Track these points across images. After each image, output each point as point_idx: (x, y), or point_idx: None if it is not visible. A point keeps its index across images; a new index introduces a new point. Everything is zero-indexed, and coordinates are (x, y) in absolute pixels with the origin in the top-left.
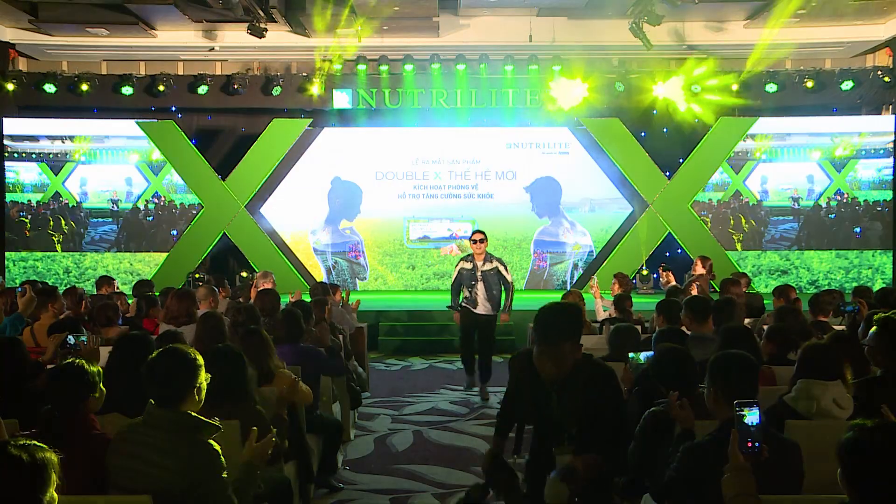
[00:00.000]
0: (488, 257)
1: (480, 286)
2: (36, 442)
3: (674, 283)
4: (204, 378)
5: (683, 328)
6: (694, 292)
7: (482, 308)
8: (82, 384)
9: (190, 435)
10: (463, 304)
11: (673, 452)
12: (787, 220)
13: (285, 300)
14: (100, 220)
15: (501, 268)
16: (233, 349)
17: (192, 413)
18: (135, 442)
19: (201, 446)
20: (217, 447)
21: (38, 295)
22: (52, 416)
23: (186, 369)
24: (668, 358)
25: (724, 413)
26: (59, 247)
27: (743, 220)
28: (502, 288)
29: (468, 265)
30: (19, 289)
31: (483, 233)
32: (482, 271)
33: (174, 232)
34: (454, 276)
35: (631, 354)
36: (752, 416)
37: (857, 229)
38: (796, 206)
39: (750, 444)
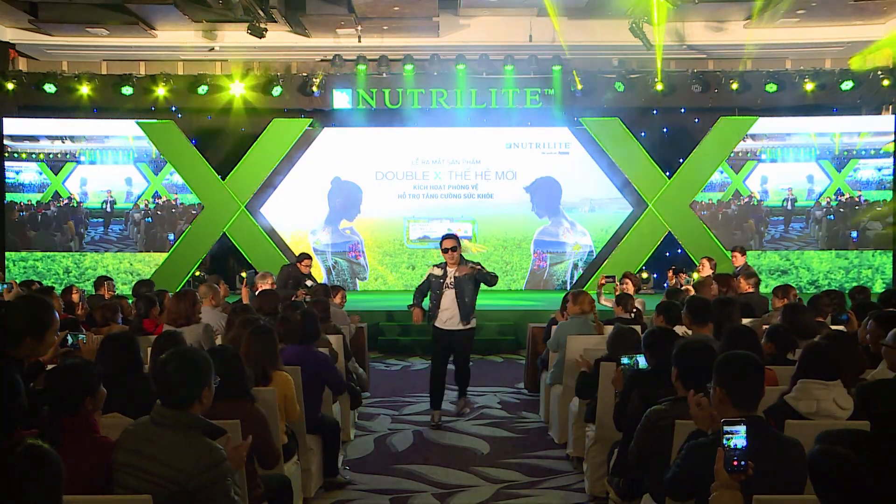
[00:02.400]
0: (463, 262)
1: (449, 295)
2: (40, 442)
3: (685, 286)
4: (212, 381)
5: (677, 328)
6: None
7: (450, 323)
8: (80, 384)
9: (197, 436)
10: (433, 323)
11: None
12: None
13: None
14: (100, 220)
15: (480, 268)
16: (232, 349)
17: (200, 415)
18: (143, 440)
19: (208, 448)
20: (223, 450)
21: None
22: (52, 416)
23: (198, 372)
24: (696, 349)
25: (729, 413)
26: (59, 246)
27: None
28: (476, 295)
29: (438, 271)
30: (4, 285)
31: (455, 238)
32: (455, 277)
33: (170, 236)
34: (422, 281)
35: (625, 360)
36: (738, 439)
37: (854, 234)
38: (790, 207)
39: (735, 462)
